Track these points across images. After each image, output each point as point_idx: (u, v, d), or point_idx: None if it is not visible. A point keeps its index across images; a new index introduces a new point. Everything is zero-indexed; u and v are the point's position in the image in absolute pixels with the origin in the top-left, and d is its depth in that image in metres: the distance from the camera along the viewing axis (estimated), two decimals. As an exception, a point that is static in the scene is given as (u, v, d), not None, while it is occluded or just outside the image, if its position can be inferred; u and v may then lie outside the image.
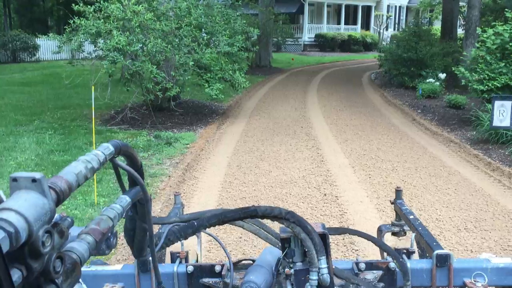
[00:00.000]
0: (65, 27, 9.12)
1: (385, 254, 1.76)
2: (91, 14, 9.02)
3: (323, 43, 36.21)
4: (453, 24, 19.48)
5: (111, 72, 8.90)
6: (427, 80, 14.97)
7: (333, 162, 7.15)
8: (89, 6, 9.09)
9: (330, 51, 35.63)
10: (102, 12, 9.08)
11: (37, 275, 0.61)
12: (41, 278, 0.62)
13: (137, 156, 0.93)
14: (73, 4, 9.12)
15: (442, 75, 15.20)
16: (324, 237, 1.28)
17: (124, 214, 0.91)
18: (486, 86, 9.33)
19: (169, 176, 6.53)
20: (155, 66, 9.00)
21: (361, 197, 5.77)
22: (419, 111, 12.27)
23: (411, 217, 2.11)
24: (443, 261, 1.62)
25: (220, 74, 10.15)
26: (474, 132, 9.41)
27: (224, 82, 10.60)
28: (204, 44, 10.04)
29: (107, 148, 0.82)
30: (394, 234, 2.39)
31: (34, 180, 0.61)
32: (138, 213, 1.04)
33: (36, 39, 26.63)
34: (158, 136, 9.15)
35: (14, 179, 0.62)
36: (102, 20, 8.89)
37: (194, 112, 11.62)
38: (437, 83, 14.67)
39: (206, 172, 6.90)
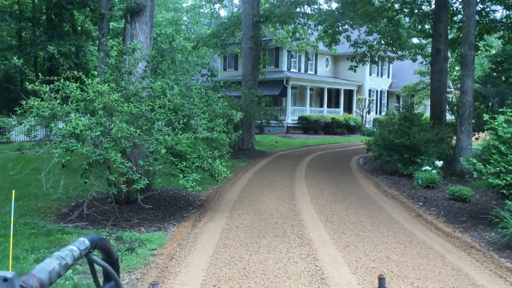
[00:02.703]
0: (15, 108, 7.75)
1: None
2: (46, 94, 7.72)
3: (306, 125, 35.71)
4: (441, 109, 18.85)
5: (65, 161, 7.45)
6: (423, 168, 13.85)
7: (337, 281, 5.60)
8: (45, 85, 7.81)
9: (313, 133, 35.05)
10: (61, 92, 7.80)
11: None
12: None
13: (113, 250, 0.96)
14: (27, 83, 7.83)
15: (439, 163, 14.12)
16: None
17: None
18: (504, 181, 8.10)
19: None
20: (119, 154, 7.61)
21: None
22: (420, 203, 10.95)
23: None
24: None
25: (197, 162, 8.77)
26: (493, 234, 8.05)
27: (202, 171, 9.21)
28: (180, 129, 8.76)
29: (83, 243, 0.84)
30: None
31: (5, 280, 0.61)
32: None
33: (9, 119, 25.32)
34: (120, 237, 7.56)
35: None
36: (59, 101, 7.57)
37: (167, 204, 10.09)
38: (434, 171, 13.54)
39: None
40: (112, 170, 8.10)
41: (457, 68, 27.93)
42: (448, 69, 21.73)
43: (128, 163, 7.77)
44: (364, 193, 12.18)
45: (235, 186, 12.92)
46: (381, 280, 2.50)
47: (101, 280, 0.90)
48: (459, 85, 17.87)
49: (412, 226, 8.76)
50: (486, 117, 9.37)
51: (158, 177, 8.66)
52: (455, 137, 16.24)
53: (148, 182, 8.12)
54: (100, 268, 0.86)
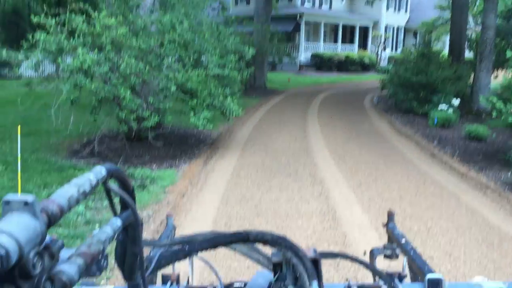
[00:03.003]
0: (21, 41, 7.54)
1: (377, 277, 1.64)
2: (52, 28, 7.45)
3: (319, 63, 34.96)
4: (461, 46, 18.17)
5: (74, 98, 7.32)
6: (439, 107, 13.52)
7: (349, 220, 5.56)
8: (51, 18, 7.53)
9: (327, 71, 34.34)
10: (67, 26, 7.53)
11: None
12: None
13: (129, 180, 0.89)
14: (33, 15, 7.55)
15: (456, 101, 13.76)
16: (316, 262, 1.25)
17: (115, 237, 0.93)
18: (526, 120, 7.85)
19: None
20: (129, 91, 7.44)
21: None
22: (435, 143, 10.76)
23: (403, 240, 1.96)
24: (435, 285, 1.41)
25: (208, 100, 8.59)
26: (509, 174, 7.91)
27: (214, 109, 9.05)
28: (191, 65, 8.51)
29: (100, 171, 0.79)
30: (386, 257, 2.17)
31: (26, 203, 0.62)
32: (129, 236, 0.98)
33: (19, 54, 25.10)
34: (132, 174, 7.55)
35: (7, 202, 0.62)
36: (66, 34, 7.32)
37: (178, 142, 10.03)
38: (450, 110, 13.23)
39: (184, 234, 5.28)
40: (122, 107, 7.97)
41: (478, 2, 26.73)
42: (469, 4, 20.76)
43: (138, 100, 7.63)
44: (378, 132, 12.00)
45: (247, 124, 12.80)
46: (390, 215, 2.34)
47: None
48: (480, 21, 17.13)
49: (426, 166, 8.63)
50: (509, 54, 8.96)
51: (169, 115, 8.53)
52: (472, 76, 15.79)
53: (158, 119, 8.00)
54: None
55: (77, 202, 0.74)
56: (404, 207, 6.13)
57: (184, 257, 1.30)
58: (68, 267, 0.73)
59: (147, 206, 6.18)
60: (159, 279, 1.91)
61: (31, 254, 0.61)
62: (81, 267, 0.75)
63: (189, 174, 7.78)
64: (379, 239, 5.11)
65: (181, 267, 2.00)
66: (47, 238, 0.69)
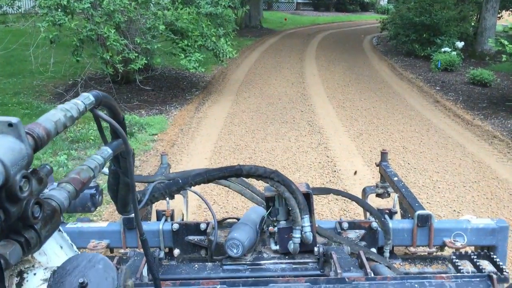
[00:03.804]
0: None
1: (368, 214, 1.85)
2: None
3: (317, 2, 33.71)
4: (467, -16, 17.26)
5: (52, 37, 6.72)
6: (442, 49, 12.93)
7: (350, 174, 5.19)
8: None
9: (324, 11, 33.21)
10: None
11: (16, 220, 0.62)
12: (19, 223, 0.63)
13: (118, 108, 0.90)
14: None
15: (460, 44, 13.17)
16: (308, 197, 1.41)
17: (107, 169, 0.96)
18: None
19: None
20: (113, 30, 6.84)
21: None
22: (437, 88, 10.30)
23: (395, 179, 2.27)
24: (424, 221, 1.73)
25: (200, 41, 8.00)
26: (517, 123, 7.54)
27: (206, 50, 8.47)
28: (180, 2, 7.86)
29: (87, 97, 0.79)
30: (378, 195, 2.58)
31: (10, 125, 0.61)
32: (121, 167, 1.01)
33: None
34: (119, 121, 7.11)
35: None
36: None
37: (169, 86, 9.50)
38: (454, 53, 12.65)
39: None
40: (106, 48, 7.40)
41: None
42: None
43: (123, 40, 7.04)
44: (378, 76, 11.49)
45: (242, 66, 12.22)
46: (383, 154, 2.58)
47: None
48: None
49: (430, 113, 8.22)
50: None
51: (158, 57, 7.98)
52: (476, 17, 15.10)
53: (146, 61, 7.45)
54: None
55: (65, 126, 0.71)
56: (407, 159, 5.77)
57: (177, 190, 1.36)
58: (57, 192, 0.73)
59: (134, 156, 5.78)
60: (153, 216, 2.01)
61: (18, 177, 0.60)
62: (71, 193, 0.74)
63: (180, 121, 7.34)
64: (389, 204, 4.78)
65: (176, 205, 2.07)
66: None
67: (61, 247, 0.83)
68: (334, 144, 6.23)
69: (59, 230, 0.81)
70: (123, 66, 7.20)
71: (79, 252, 0.85)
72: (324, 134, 6.66)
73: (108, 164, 0.93)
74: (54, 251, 0.79)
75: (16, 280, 0.70)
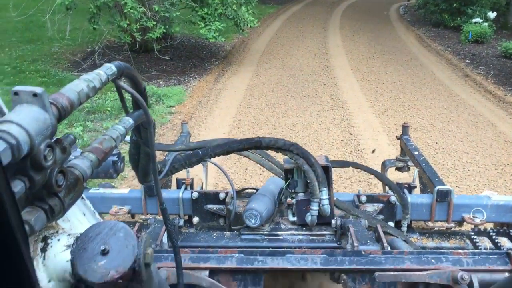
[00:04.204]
0: None
1: (387, 188, 1.83)
2: None
3: (342, -32, 32.54)
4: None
5: (68, 3, 6.52)
6: (473, 20, 12.33)
7: (375, 154, 4.94)
8: None
9: (350, -22, 32.04)
10: None
11: (40, 188, 0.64)
12: (44, 191, 0.65)
13: (140, 79, 0.91)
14: None
15: (492, 14, 12.53)
16: (327, 169, 1.42)
17: (129, 138, 1.01)
18: None
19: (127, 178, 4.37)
20: (131, -3, 6.60)
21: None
22: (467, 61, 9.84)
23: (416, 153, 2.24)
24: (444, 196, 1.72)
25: (220, 9, 7.70)
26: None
27: (226, 19, 8.17)
28: (200, -32, 7.54)
29: (110, 68, 0.79)
30: (398, 169, 2.59)
31: (35, 95, 0.62)
32: (142, 137, 1.03)
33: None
34: (136, 92, 6.94)
35: (16, 93, 0.62)
36: None
37: (188, 55, 9.26)
38: (485, 24, 12.05)
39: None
40: (124, 16, 7.17)
41: None
42: None
43: (141, 7, 6.80)
44: (405, 48, 11.04)
45: (263, 35, 11.87)
46: (404, 127, 2.60)
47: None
48: None
49: (459, 88, 7.84)
50: None
51: (177, 25, 7.73)
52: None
53: (164, 30, 7.21)
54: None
55: (87, 97, 0.73)
56: (435, 138, 5.49)
57: (197, 161, 1.38)
58: (80, 161, 0.75)
59: (151, 129, 5.62)
60: (174, 184, 2.06)
61: (42, 146, 0.61)
62: (93, 162, 0.77)
63: (198, 92, 7.14)
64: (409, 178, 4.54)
65: (196, 173, 2.09)
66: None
67: (84, 214, 0.87)
68: (357, 121, 5.96)
69: (82, 198, 0.84)
70: (141, 35, 6.98)
71: (101, 220, 0.88)
72: (347, 109, 6.39)
73: (130, 133, 0.95)
74: (77, 218, 0.83)
75: (41, 246, 0.72)
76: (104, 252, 0.67)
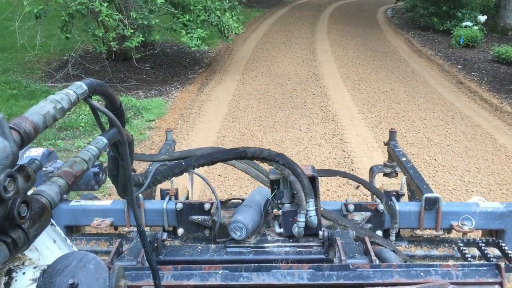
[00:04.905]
0: None
1: (375, 196, 1.79)
2: None
3: (328, -30, 32.36)
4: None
5: (38, 11, 6.07)
6: (463, 24, 12.08)
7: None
8: None
9: (336, -20, 31.87)
10: None
11: (2, 220, 0.60)
12: (5, 223, 0.61)
13: (115, 96, 0.88)
14: None
15: (482, 18, 12.30)
16: (313, 180, 1.39)
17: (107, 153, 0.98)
18: None
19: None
20: (106, 4, 6.16)
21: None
22: (459, 66, 9.55)
23: (404, 159, 2.22)
24: (432, 204, 1.71)
25: (203, 15, 7.29)
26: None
27: (210, 26, 7.76)
28: (181, -28, 7.12)
29: (80, 87, 0.77)
30: (385, 175, 2.55)
31: None
32: (120, 153, 0.99)
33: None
34: (114, 104, 6.50)
35: None
36: None
37: (170, 63, 8.82)
38: (476, 27, 11.80)
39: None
40: (101, 23, 6.73)
41: None
42: None
43: (117, 15, 6.37)
44: (395, 53, 10.73)
45: (248, 41, 11.47)
46: (392, 133, 2.52)
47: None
48: None
49: (453, 96, 7.52)
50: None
51: (156, 33, 7.28)
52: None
53: (143, 39, 6.78)
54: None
55: (55, 119, 0.69)
56: (433, 154, 5.14)
57: (181, 172, 1.41)
58: (48, 187, 0.70)
59: (127, 148, 5.19)
60: (157, 194, 1.96)
61: (1, 176, 0.57)
62: (62, 188, 0.72)
63: (180, 104, 6.72)
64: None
65: (180, 182, 2.08)
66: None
67: (54, 241, 0.82)
68: (350, 135, 5.58)
69: (52, 224, 0.81)
70: (117, 44, 6.54)
71: (73, 247, 0.86)
72: (338, 122, 6.01)
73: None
74: (47, 246, 0.79)
75: (4, 280, 0.68)
76: (73, 286, 0.64)
